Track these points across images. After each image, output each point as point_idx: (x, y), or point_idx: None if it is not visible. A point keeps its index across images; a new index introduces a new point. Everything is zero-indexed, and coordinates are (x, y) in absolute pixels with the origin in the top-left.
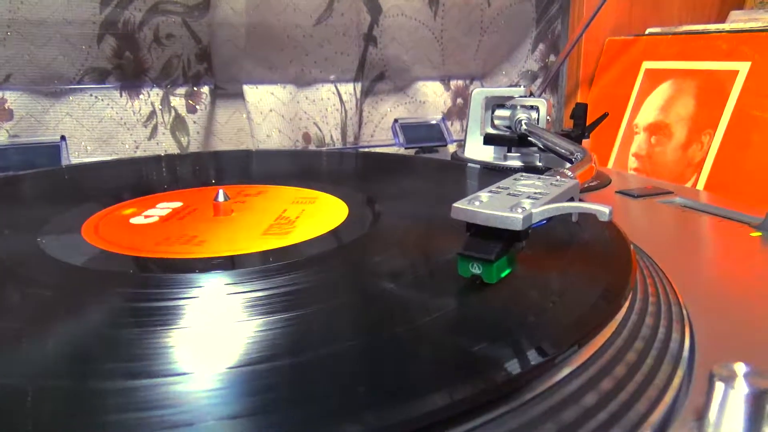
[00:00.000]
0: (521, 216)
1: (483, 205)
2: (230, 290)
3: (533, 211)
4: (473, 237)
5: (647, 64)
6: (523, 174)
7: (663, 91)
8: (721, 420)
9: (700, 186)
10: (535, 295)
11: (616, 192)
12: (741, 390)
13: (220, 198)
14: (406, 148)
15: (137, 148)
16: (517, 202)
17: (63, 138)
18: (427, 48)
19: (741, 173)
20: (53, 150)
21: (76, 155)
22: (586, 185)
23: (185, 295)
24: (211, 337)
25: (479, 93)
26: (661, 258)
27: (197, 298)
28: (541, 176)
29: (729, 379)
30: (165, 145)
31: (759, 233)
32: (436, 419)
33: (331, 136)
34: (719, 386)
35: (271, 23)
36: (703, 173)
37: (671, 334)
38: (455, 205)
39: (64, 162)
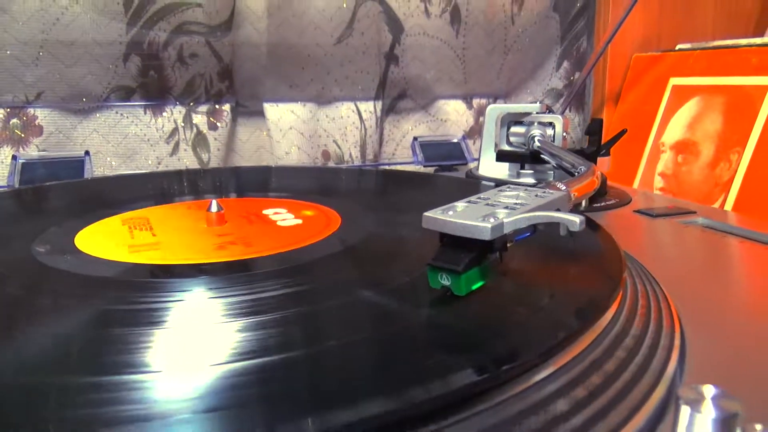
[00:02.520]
0: (490, 226)
1: (455, 214)
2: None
3: (504, 221)
4: (444, 247)
5: (674, 80)
6: (510, 186)
7: (690, 107)
8: None
9: (728, 207)
10: (506, 308)
11: (634, 211)
12: (708, 414)
13: (213, 209)
14: (425, 167)
15: (159, 163)
16: (492, 212)
17: (87, 153)
18: (449, 67)
19: None
20: (77, 164)
21: (102, 170)
22: (594, 203)
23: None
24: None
25: (494, 109)
26: (667, 278)
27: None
28: (528, 188)
29: (695, 403)
30: (186, 161)
31: None
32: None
33: (350, 154)
34: (685, 410)
35: (292, 42)
36: (731, 193)
37: (654, 354)
38: (426, 214)
39: (87, 176)
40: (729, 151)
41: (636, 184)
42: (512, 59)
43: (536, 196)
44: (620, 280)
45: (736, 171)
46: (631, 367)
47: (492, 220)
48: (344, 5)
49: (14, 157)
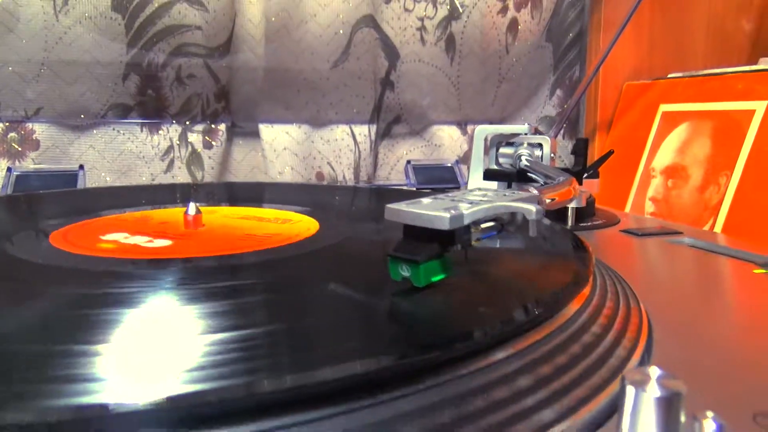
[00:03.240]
0: (449, 215)
1: (418, 206)
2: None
3: (464, 212)
4: (406, 239)
5: (664, 107)
6: (481, 188)
7: (679, 133)
8: (635, 426)
9: (717, 229)
10: (465, 297)
11: (621, 230)
12: (653, 394)
13: (191, 211)
14: (417, 189)
15: (153, 180)
16: (454, 206)
17: (81, 167)
18: (443, 93)
19: (760, 215)
20: (71, 178)
21: (95, 185)
22: (581, 223)
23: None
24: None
25: (482, 130)
26: (644, 288)
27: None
28: (497, 190)
29: (641, 383)
30: (180, 178)
31: (763, 270)
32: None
33: (344, 176)
34: (630, 390)
35: (288, 66)
36: (720, 216)
37: (618, 345)
38: (388, 205)
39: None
40: (718, 174)
41: (627, 209)
42: (506, 87)
43: (504, 195)
44: (587, 275)
45: (724, 194)
46: (591, 357)
47: (453, 211)
48: (341, 31)
49: (9, 170)
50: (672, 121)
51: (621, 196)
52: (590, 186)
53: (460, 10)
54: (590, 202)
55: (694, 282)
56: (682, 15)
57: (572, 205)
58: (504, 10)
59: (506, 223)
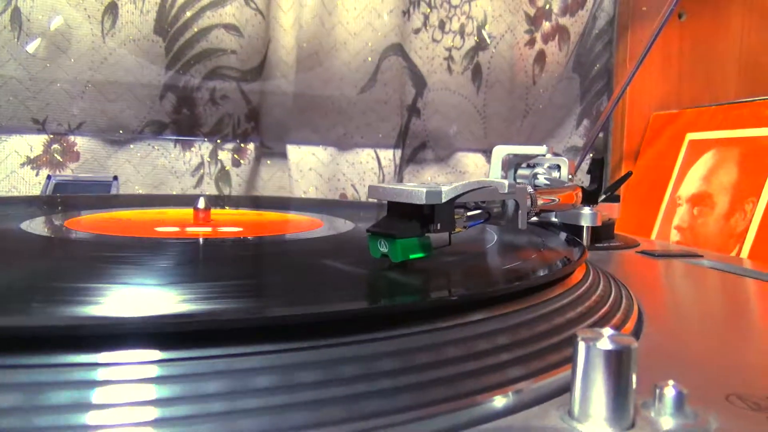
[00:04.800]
0: (425, 190)
1: (400, 185)
2: None
3: (443, 189)
4: (386, 217)
5: (691, 135)
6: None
7: (706, 160)
8: (587, 381)
9: (743, 256)
10: (448, 270)
11: (637, 252)
12: (603, 347)
13: (200, 205)
14: None
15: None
16: (437, 186)
17: (115, 178)
18: (469, 122)
19: None
20: (105, 187)
21: None
22: (597, 243)
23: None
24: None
25: (500, 150)
26: (643, 293)
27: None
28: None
29: (592, 340)
30: (208, 194)
31: None
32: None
33: (367, 198)
34: (581, 346)
35: (317, 91)
36: (746, 243)
37: (609, 319)
38: (372, 185)
39: None
40: (744, 201)
41: (653, 237)
42: (532, 117)
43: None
44: (576, 263)
45: (750, 221)
46: (566, 333)
47: (431, 188)
48: (369, 59)
49: (49, 177)
50: (698, 149)
51: (647, 225)
52: (610, 210)
53: (488, 41)
54: (609, 224)
55: (706, 296)
56: (711, 48)
57: (587, 224)
58: (531, 42)
59: (495, 214)
